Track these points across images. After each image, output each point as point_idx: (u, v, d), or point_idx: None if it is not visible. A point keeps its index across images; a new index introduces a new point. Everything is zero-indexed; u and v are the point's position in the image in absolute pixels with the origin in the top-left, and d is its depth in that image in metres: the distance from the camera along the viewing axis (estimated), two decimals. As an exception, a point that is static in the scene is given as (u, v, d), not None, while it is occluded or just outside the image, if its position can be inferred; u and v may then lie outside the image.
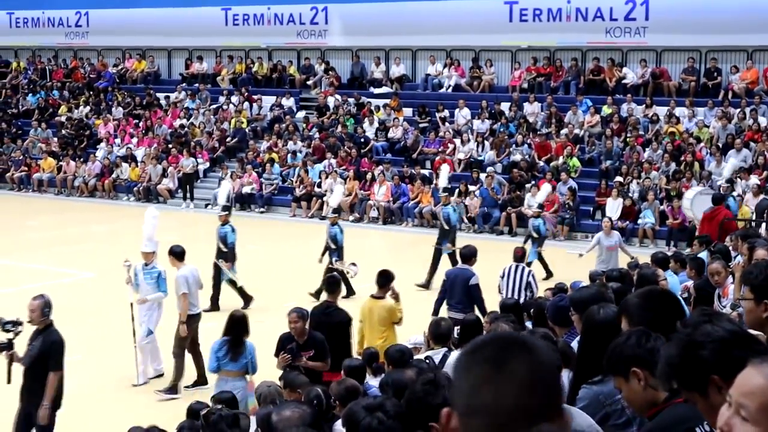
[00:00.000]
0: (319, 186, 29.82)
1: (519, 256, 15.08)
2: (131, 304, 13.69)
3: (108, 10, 38.72)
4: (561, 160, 27.94)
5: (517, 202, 26.71)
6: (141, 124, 36.05)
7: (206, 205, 30.94)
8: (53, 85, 40.24)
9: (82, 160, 34.57)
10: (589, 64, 31.38)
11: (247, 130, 34.05)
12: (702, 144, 27.20)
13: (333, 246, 18.70)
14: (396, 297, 12.41)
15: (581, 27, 30.91)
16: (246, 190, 30.70)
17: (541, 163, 28.18)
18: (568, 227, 25.55)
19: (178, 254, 13.96)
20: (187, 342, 13.43)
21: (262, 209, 30.39)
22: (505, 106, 31.19)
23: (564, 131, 29.25)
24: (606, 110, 29.53)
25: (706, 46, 29.48)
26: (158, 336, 13.88)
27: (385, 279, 12.35)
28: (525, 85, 31.79)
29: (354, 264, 18.14)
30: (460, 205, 25.63)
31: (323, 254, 18.72)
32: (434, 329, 9.34)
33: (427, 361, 8.65)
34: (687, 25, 28.90)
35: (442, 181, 22.96)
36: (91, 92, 38.84)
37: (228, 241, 18.20)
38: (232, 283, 18.21)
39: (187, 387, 13.28)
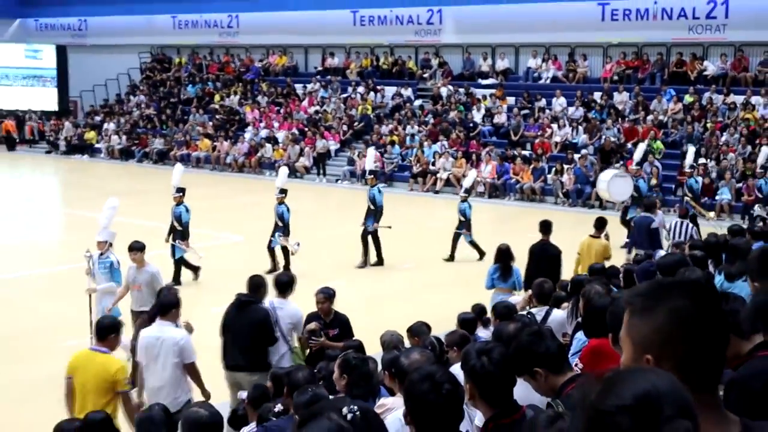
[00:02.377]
0: (434, 164, 29.84)
1: (683, 214, 15.68)
2: (89, 295, 12.00)
3: (255, 13, 39.18)
4: (647, 143, 27.42)
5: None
6: (282, 110, 36.49)
7: (336, 180, 31.27)
8: (209, 78, 40.98)
9: (232, 141, 35.18)
10: (672, 57, 30.63)
11: (371, 116, 34.22)
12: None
13: (280, 223, 17.45)
14: (607, 237, 14.01)
15: (666, 25, 30.14)
16: (370, 167, 30.85)
17: (629, 146, 27.69)
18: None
19: (141, 249, 11.82)
20: None
21: (384, 184, 30.52)
22: (597, 96, 30.76)
23: (650, 117, 28.69)
24: (688, 99, 28.85)
25: (782, 41, 28.53)
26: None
27: (601, 223, 14.08)
28: (615, 77, 31.18)
29: (298, 243, 17.35)
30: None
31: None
32: (538, 290, 9.29)
33: (528, 316, 8.64)
34: (764, 22, 27.89)
35: (369, 165, 21.15)
36: (240, 83, 39.46)
37: (183, 220, 16.81)
38: (183, 260, 16.86)
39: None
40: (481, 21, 33.33)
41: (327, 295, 9.47)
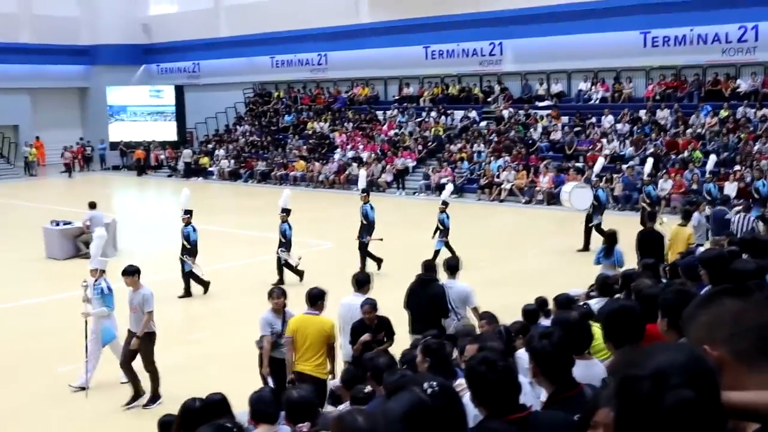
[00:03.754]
0: (498, 177, 29.66)
1: (745, 207, 15.87)
2: (85, 320, 11.13)
3: (341, 52, 39.52)
4: (686, 153, 26.86)
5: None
6: (365, 134, 36.71)
7: (414, 193, 31.29)
8: (303, 108, 41.44)
9: (324, 161, 35.50)
10: (708, 77, 29.94)
11: (443, 137, 34.18)
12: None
13: (283, 240, 16.73)
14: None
15: (701, 49, 29.49)
16: (443, 181, 30.83)
17: (673, 156, 27.13)
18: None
19: (133, 273, 10.68)
20: (152, 356, 10.60)
21: (455, 195, 30.41)
22: (641, 113, 30.22)
23: (689, 131, 28.08)
24: (723, 113, 28.16)
25: (807, 59, 27.69)
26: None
27: (687, 213, 14.74)
28: (657, 96, 30.61)
29: (300, 257, 16.82)
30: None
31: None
32: (601, 283, 9.11)
33: (584, 305, 8.50)
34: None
35: (361, 183, 19.74)
36: (330, 112, 39.81)
37: (191, 239, 16.15)
38: (193, 274, 16.20)
39: (145, 405, 10.52)
40: (537, 51, 33.09)
41: (372, 306, 9.11)
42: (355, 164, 34.08)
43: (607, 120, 30.49)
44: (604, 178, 22.09)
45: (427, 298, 9.96)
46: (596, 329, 5.94)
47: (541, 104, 33.42)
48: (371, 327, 9.02)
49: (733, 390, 2.04)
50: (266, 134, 40.47)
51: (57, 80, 46.23)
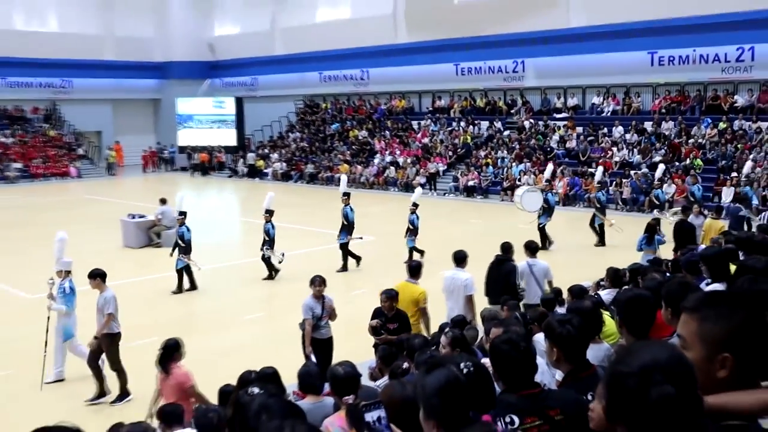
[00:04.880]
0: (519, 180, 29.46)
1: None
2: (47, 317, 10.50)
3: (382, 68, 39.53)
4: (688, 161, 26.46)
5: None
6: (402, 141, 36.66)
7: (444, 194, 31.20)
8: (347, 118, 41.52)
9: (365, 165, 35.54)
10: (709, 93, 29.45)
11: (471, 144, 34.04)
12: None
13: (266, 238, 16.07)
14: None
15: (703, 67, 29.01)
16: (470, 183, 30.74)
17: (677, 163, 26.74)
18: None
19: (96, 276, 9.83)
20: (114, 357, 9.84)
21: (480, 196, 30.35)
22: (647, 125, 29.82)
23: (691, 141, 27.65)
24: (722, 125, 27.69)
25: (799, 77, 27.08)
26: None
27: (720, 209, 15.65)
28: (662, 110, 30.19)
29: (283, 254, 16.19)
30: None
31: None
32: (613, 275, 9.02)
33: (596, 295, 8.44)
34: (784, 63, 26.62)
35: (342, 187, 18.41)
36: (370, 121, 39.84)
37: (185, 238, 15.53)
38: (188, 270, 15.50)
39: (112, 402, 9.77)
40: (556, 69, 32.83)
41: (388, 296, 8.84)
42: (392, 167, 34.10)
43: (618, 130, 30.15)
44: (554, 182, 21.65)
45: (502, 275, 10.58)
46: (606, 317, 5.91)
47: (558, 116, 33.13)
48: (387, 315, 8.90)
49: (730, 389, 2.03)
50: (314, 140, 40.62)
51: (134, 92, 47.04)
